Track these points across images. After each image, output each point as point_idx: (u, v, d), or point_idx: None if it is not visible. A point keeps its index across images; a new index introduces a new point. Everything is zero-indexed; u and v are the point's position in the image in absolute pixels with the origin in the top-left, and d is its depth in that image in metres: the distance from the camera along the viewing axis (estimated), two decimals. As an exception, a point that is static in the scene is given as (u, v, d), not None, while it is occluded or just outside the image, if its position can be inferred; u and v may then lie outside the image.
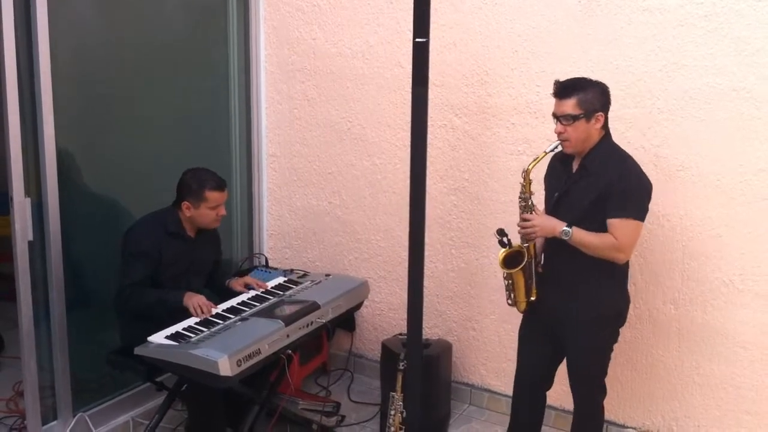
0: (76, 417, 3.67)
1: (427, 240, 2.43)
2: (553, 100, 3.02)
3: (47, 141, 3.41)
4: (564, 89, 2.98)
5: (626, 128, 3.53)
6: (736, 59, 3.29)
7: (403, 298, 3.81)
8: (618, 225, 2.95)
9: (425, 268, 2.58)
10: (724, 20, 3.28)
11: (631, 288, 3.65)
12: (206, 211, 3.48)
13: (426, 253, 2.48)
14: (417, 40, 2.25)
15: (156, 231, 3.47)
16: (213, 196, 3.47)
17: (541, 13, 3.67)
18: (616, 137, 3.55)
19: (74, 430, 3.65)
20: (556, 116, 3.00)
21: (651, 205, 3.53)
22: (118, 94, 3.88)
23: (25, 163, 3.33)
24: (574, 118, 2.94)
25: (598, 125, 2.99)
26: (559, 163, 3.13)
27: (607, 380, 3.79)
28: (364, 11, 4.17)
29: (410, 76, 2.24)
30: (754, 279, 3.40)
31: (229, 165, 4.59)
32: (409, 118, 2.27)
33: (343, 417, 4.10)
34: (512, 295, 3.20)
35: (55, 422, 3.64)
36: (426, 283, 3.00)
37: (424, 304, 2.59)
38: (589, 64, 3.57)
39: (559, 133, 3.00)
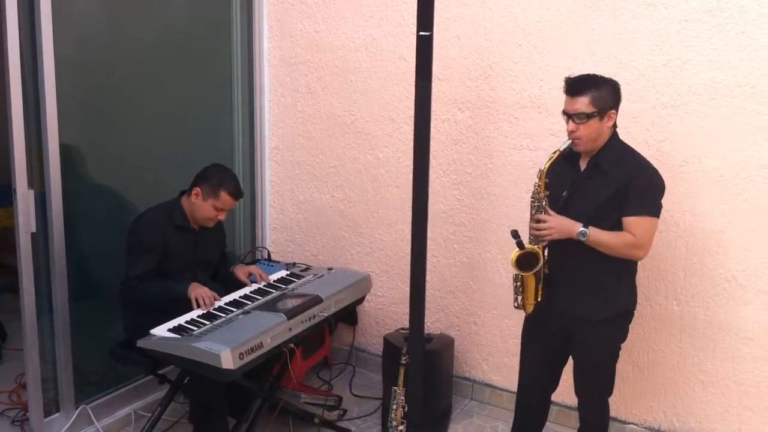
0: (78, 409, 3.68)
1: (429, 234, 2.43)
2: (561, 95, 2.90)
3: (50, 132, 3.41)
4: (577, 86, 2.86)
5: (630, 123, 3.52)
6: (740, 55, 3.27)
7: (405, 293, 3.82)
8: (637, 222, 2.87)
9: (427, 262, 2.57)
10: (728, 15, 3.27)
11: (633, 283, 3.67)
12: (209, 208, 3.47)
13: (428, 248, 2.48)
14: (421, 33, 2.25)
15: (162, 224, 3.48)
16: (225, 198, 3.46)
17: (545, 7, 3.66)
18: (619, 132, 3.56)
19: (76, 422, 3.66)
20: (569, 114, 2.88)
21: (655, 201, 3.54)
22: (121, 86, 3.88)
23: (29, 154, 3.33)
24: (588, 116, 2.84)
25: (610, 123, 2.91)
26: (562, 161, 2.97)
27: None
28: (368, 4, 4.17)
29: (413, 69, 2.24)
30: (757, 275, 3.39)
31: (232, 157, 4.58)
32: (412, 112, 2.27)
33: (345, 411, 4.11)
34: (520, 298, 3.07)
35: (57, 414, 3.64)
36: (428, 277, 2.99)
37: (426, 298, 2.59)
38: (593, 59, 3.56)
39: (571, 132, 2.88)
